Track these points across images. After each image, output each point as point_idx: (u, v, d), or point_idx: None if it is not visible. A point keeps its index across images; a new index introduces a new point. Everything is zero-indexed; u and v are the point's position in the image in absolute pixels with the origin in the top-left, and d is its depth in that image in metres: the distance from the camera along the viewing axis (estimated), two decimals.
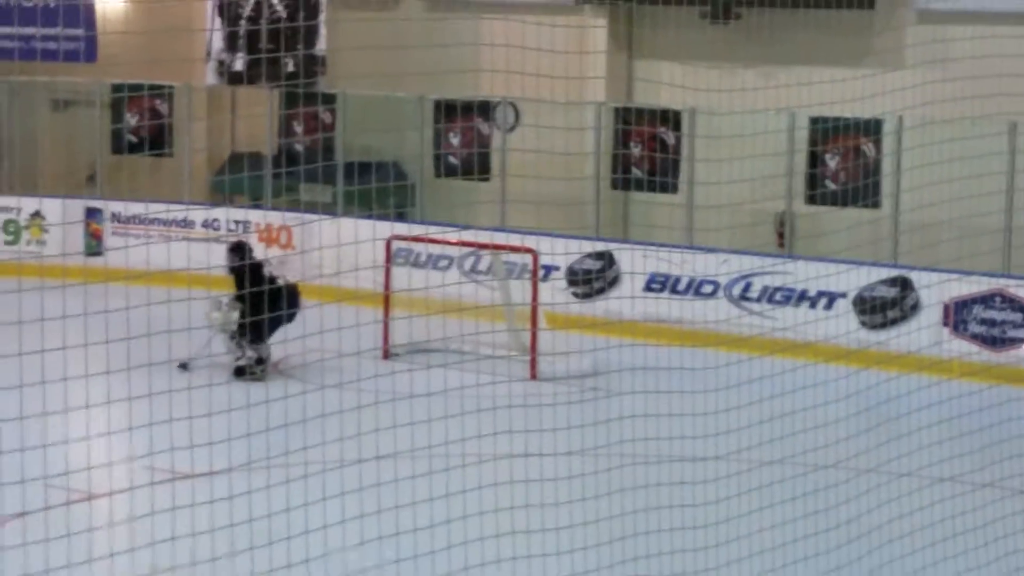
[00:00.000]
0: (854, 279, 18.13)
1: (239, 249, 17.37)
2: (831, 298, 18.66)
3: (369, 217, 18.67)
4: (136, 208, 22.32)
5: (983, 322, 17.92)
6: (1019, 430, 11.23)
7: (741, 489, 9.99)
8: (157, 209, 21.17)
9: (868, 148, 19.57)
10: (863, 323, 18.41)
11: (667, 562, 9.47)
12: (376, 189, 20.81)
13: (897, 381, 12.50)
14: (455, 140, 22.33)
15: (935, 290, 17.91)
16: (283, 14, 23.50)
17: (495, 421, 9.48)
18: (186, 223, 21.94)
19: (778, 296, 19.19)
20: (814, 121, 19.36)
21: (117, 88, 23.41)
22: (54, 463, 7.92)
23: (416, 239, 19.26)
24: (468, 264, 20.41)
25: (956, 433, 11.16)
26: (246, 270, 16.35)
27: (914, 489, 10.59)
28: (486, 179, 21.90)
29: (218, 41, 24.00)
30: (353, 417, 8.94)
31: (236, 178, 23.37)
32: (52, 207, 22.78)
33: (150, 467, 9.35)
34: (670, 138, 20.86)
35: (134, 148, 23.40)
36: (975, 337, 17.92)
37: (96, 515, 8.70)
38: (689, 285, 19.64)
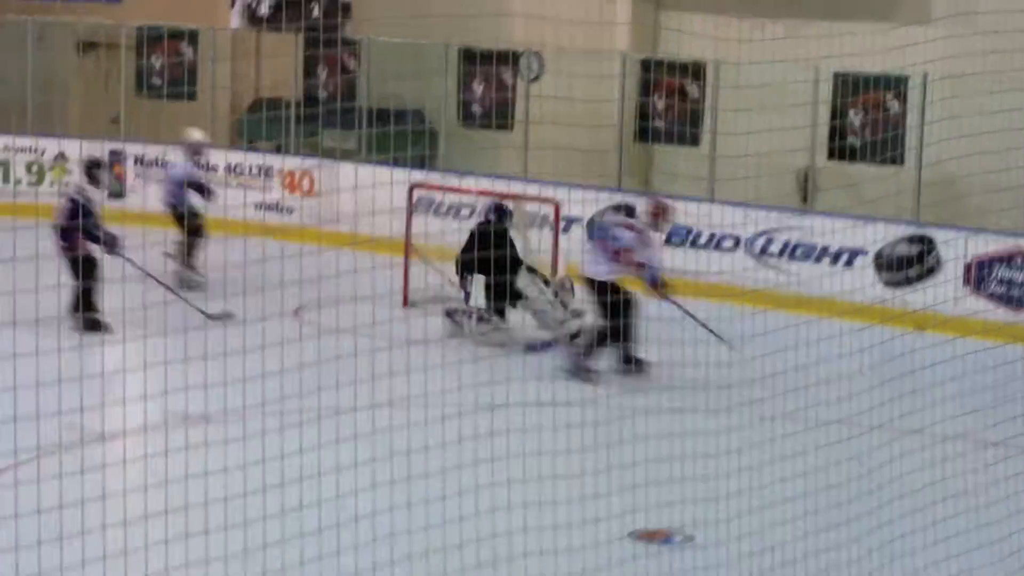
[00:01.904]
0: (876, 235, 18.09)
1: (499, 211, 16.86)
2: (852, 254, 18.62)
3: (391, 164, 18.69)
4: (158, 150, 22.38)
5: (1003, 282, 17.88)
6: None
7: (753, 441, 10.02)
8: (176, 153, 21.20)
9: (892, 103, 19.50)
10: (884, 280, 18.38)
11: (677, 512, 9.52)
12: (399, 136, 20.82)
13: (913, 337, 12.50)
14: (479, 88, 22.30)
15: (957, 247, 17.86)
16: None
17: (509, 368, 9.52)
18: (209, 167, 21.98)
19: (799, 252, 19.16)
20: (839, 76, 19.28)
21: (142, 30, 23.43)
22: (68, 401, 7.97)
23: (438, 187, 19.27)
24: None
25: (969, 391, 11.17)
26: (495, 235, 16.12)
27: (926, 445, 10.60)
28: (509, 128, 21.88)
29: None
30: (367, 362, 8.98)
31: (260, 122, 23.39)
32: (75, 149, 22.83)
33: (164, 409, 9.42)
34: (694, 90, 20.80)
35: (158, 91, 23.41)
36: (994, 296, 17.88)
37: (109, 455, 8.75)
38: (710, 239, 19.63)
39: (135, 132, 23.07)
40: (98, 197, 16.35)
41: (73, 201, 15.99)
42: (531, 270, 16.43)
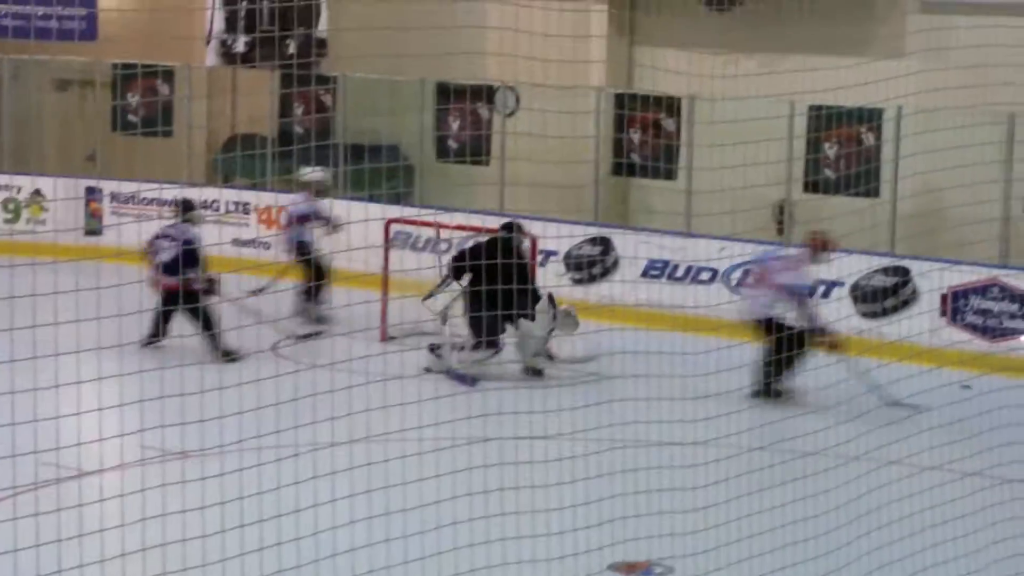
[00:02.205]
0: (852, 267, 18.15)
1: (511, 228, 16.84)
2: (829, 286, 18.67)
3: (368, 200, 18.72)
4: (134, 187, 22.37)
5: (979, 312, 17.94)
6: (1009, 418, 11.24)
7: (731, 473, 10.03)
8: (149, 188, 21.20)
9: (867, 136, 19.58)
10: (861, 312, 18.43)
11: (656, 545, 9.51)
12: (375, 171, 20.83)
13: (889, 368, 12.53)
14: (455, 124, 22.35)
15: (933, 279, 17.92)
16: None
17: (485, 403, 9.51)
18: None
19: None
20: (814, 109, 19.36)
21: (117, 67, 23.44)
22: (45, 440, 7.94)
23: (414, 222, 19.29)
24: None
25: (946, 421, 11.20)
26: (503, 248, 16.11)
27: (904, 476, 10.62)
28: (486, 163, 21.92)
29: (219, 21, 24.00)
30: (345, 397, 8.97)
31: (236, 159, 23.40)
32: (52, 186, 22.82)
33: (140, 445, 9.40)
34: (669, 124, 20.88)
35: (134, 128, 23.41)
36: (971, 327, 17.94)
37: (86, 493, 8.73)
38: (687, 271, 19.66)
39: (111, 169, 23.04)
40: (197, 236, 16.65)
41: (176, 240, 16.32)
42: (550, 298, 16.47)
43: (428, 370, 16.10)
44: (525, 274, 16.37)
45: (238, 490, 8.32)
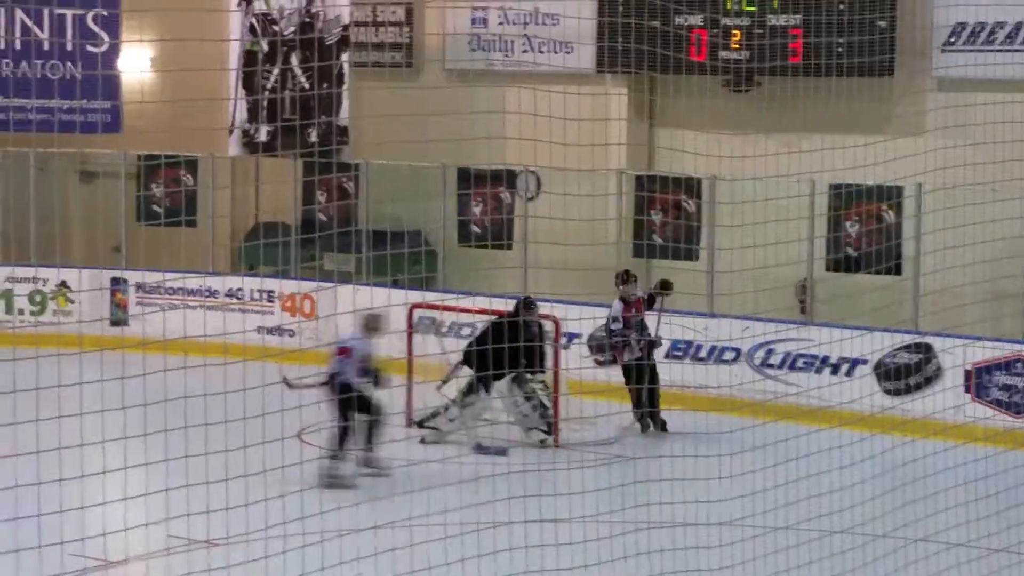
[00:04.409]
0: (876, 344, 18.14)
1: (526, 304, 17.26)
2: (853, 364, 18.66)
3: (391, 286, 18.78)
4: (159, 277, 22.48)
5: (1004, 388, 17.90)
6: None
7: (757, 554, 10.01)
8: (173, 278, 21.31)
9: (888, 214, 19.62)
10: (885, 390, 18.40)
11: None
12: (399, 257, 20.92)
13: (913, 446, 12.51)
14: (477, 209, 22.45)
15: (956, 355, 17.90)
16: (306, 84, 23.71)
17: (509, 487, 9.52)
18: (210, 292, 22.10)
19: (800, 363, 19.20)
20: (835, 187, 19.42)
21: (142, 158, 23.63)
22: (71, 530, 7.99)
23: (437, 307, 19.35)
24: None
25: (973, 497, 11.16)
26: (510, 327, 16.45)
27: (930, 554, 10.58)
28: (508, 246, 22.00)
29: (242, 111, 24.20)
30: (369, 483, 9.00)
31: (259, 247, 23.52)
32: (78, 277, 22.95)
33: (167, 535, 9.42)
34: (690, 205, 20.94)
35: (158, 218, 23.57)
36: (996, 403, 17.89)
37: None
38: (711, 351, 19.67)
39: (136, 260, 23.18)
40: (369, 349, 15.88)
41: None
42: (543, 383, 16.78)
43: (423, 441, 16.58)
44: (530, 350, 16.58)
45: None
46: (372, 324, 16.16)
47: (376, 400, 14.96)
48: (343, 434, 14.44)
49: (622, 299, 17.89)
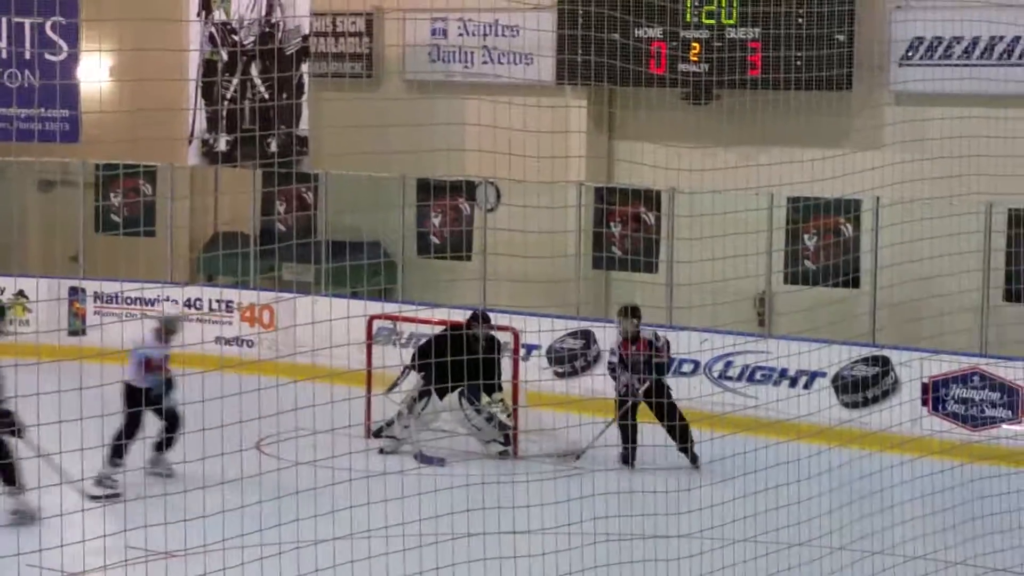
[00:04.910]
0: (834, 357, 18.20)
1: (476, 319, 17.22)
2: (811, 376, 18.72)
3: (350, 297, 18.74)
4: (117, 287, 22.40)
5: (961, 400, 17.99)
6: (992, 508, 11.27)
7: (715, 567, 10.03)
8: (131, 288, 21.23)
9: (846, 227, 19.70)
10: (843, 402, 18.47)
11: None
12: (358, 268, 20.90)
13: (871, 459, 12.55)
14: (436, 219, 22.45)
15: (913, 368, 17.98)
16: (265, 95, 23.67)
17: (468, 499, 9.52)
18: (168, 302, 22.02)
19: (758, 375, 19.25)
20: (793, 201, 19.49)
21: (101, 168, 23.55)
22: (28, 541, 7.95)
23: (396, 318, 19.34)
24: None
25: (930, 510, 11.22)
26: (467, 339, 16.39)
27: (888, 567, 10.62)
28: (467, 258, 22.00)
29: (201, 121, 24.13)
30: (328, 494, 8.99)
31: (218, 257, 23.46)
32: (35, 286, 22.84)
33: (124, 546, 9.37)
34: (650, 218, 20.99)
35: (117, 228, 23.48)
36: (953, 416, 17.98)
37: None
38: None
39: (94, 269, 23.09)
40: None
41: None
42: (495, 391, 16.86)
43: (382, 451, 16.74)
44: (484, 364, 16.57)
45: None
46: (169, 327, 16.27)
47: (172, 405, 14.64)
48: (123, 438, 13.97)
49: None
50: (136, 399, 14.44)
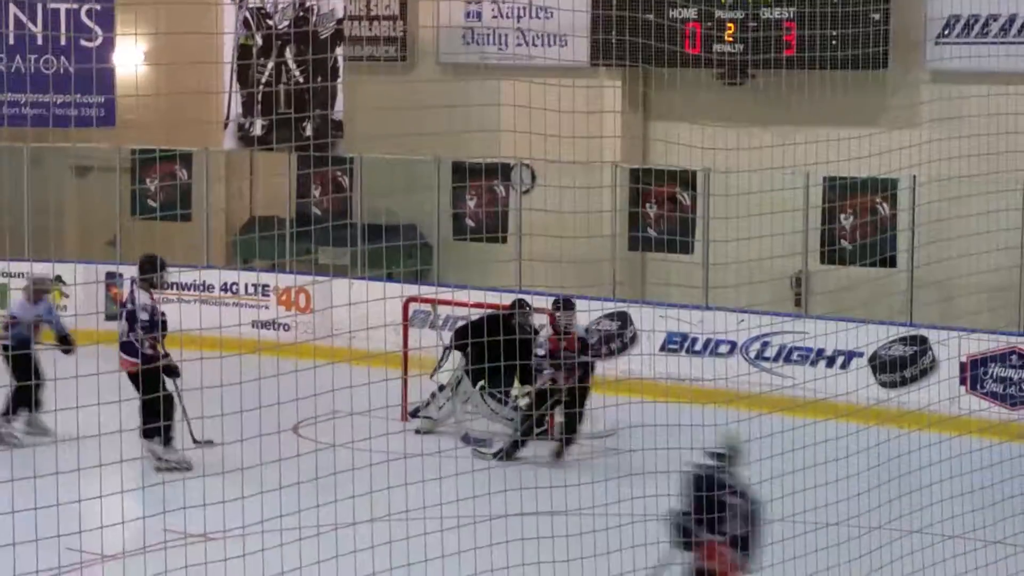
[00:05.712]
0: (871, 336, 18.15)
1: (520, 305, 17.10)
2: (848, 356, 18.68)
3: (386, 280, 18.77)
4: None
5: (999, 380, 17.92)
6: None
7: None
8: (169, 272, 21.29)
9: (883, 206, 19.64)
10: (881, 382, 18.42)
11: None
12: (394, 251, 20.92)
13: (908, 438, 12.51)
14: (471, 202, 22.46)
15: (951, 347, 17.92)
16: (300, 78, 23.69)
17: (505, 479, 9.53)
18: (205, 286, 22.10)
19: (795, 355, 19.22)
20: (829, 180, 19.42)
21: (137, 153, 23.63)
22: (68, 523, 7.99)
23: (433, 300, 19.36)
24: None
25: (968, 489, 11.18)
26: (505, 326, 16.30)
27: (925, 546, 10.60)
28: (503, 240, 22.00)
29: (236, 105, 24.19)
30: (366, 476, 9.01)
31: (254, 241, 23.53)
32: (72, 271, 22.93)
33: (163, 529, 9.43)
34: (685, 198, 20.95)
35: (153, 212, 23.56)
36: (991, 395, 17.92)
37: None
38: (706, 345, 19.68)
39: (131, 254, 23.16)
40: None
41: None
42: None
43: (418, 431, 16.81)
44: (525, 350, 16.48)
45: (260, 572, 8.34)
46: (39, 286, 16.98)
47: (39, 364, 14.71)
48: (12, 397, 14.98)
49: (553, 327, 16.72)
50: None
